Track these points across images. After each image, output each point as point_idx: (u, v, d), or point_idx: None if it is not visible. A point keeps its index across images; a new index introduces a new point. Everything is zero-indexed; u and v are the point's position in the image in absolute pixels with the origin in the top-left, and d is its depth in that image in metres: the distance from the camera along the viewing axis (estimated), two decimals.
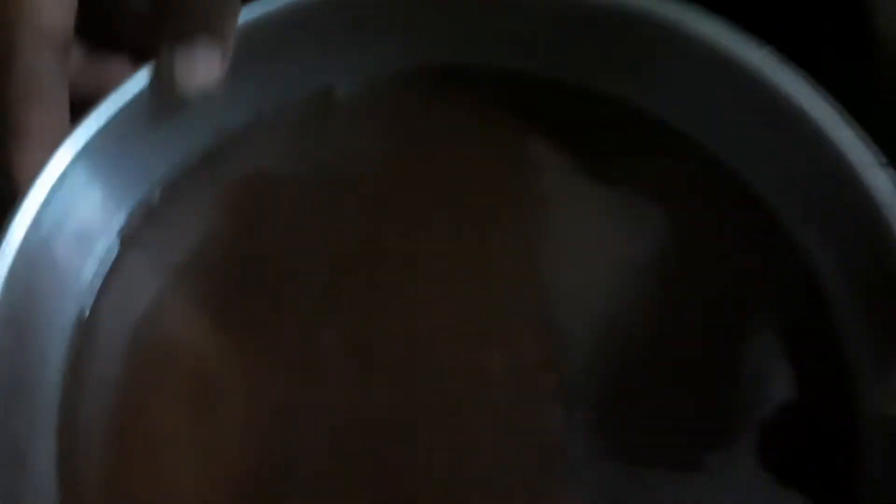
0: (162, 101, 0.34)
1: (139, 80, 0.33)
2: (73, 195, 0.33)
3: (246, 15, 0.34)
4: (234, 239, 0.36)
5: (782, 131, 0.34)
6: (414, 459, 0.33)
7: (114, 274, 0.35)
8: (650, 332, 0.34)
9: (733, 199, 0.35)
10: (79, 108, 0.33)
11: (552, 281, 0.35)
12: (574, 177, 0.36)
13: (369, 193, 0.36)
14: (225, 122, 0.36)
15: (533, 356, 0.33)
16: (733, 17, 0.34)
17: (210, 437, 0.33)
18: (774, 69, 0.33)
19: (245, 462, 0.33)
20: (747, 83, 0.34)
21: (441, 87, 0.37)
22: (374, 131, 0.37)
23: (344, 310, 0.34)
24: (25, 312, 0.32)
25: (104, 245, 0.35)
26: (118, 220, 0.35)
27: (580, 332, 0.34)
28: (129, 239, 0.35)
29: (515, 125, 0.36)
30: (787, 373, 0.33)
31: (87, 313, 0.35)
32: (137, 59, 0.34)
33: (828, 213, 0.33)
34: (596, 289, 0.34)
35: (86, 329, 0.34)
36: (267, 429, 0.33)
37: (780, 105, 0.33)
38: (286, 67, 0.36)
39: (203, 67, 0.33)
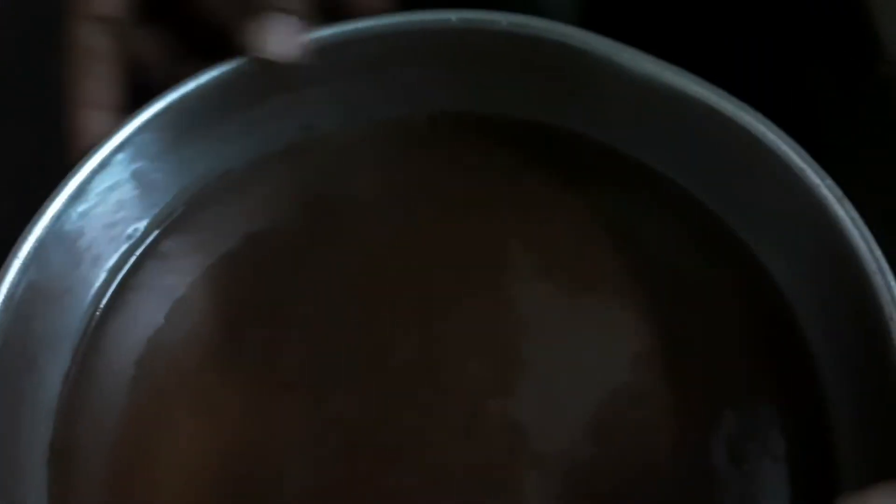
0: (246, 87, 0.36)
1: (188, 86, 0.35)
2: (111, 187, 0.35)
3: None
4: (249, 260, 0.37)
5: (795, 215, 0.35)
6: (397, 487, 0.34)
7: (128, 281, 0.37)
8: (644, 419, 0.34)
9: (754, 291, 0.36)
10: None
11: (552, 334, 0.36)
12: (580, 228, 0.37)
13: (382, 225, 0.38)
14: (247, 149, 0.38)
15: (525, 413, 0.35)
16: (732, 26, 0.34)
17: (204, 449, 0.34)
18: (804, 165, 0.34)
19: (236, 474, 0.34)
20: (774, 171, 0.34)
21: (472, 135, 0.38)
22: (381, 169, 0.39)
23: (348, 335, 0.36)
24: (43, 293, 0.34)
25: (124, 248, 0.37)
26: (143, 223, 0.37)
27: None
28: (148, 248, 0.37)
29: (523, 171, 0.38)
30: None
31: (98, 314, 0.36)
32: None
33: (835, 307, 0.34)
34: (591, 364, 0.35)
35: (96, 326, 0.36)
36: (260, 442, 0.34)
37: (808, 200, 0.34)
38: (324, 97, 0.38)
39: (285, 36, 0.35)
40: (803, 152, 0.34)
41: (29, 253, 0.33)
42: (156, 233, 0.37)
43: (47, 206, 0.34)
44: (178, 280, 0.37)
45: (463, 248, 0.37)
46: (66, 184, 0.34)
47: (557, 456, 0.34)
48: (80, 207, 0.34)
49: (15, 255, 0.33)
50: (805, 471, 0.34)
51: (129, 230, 0.37)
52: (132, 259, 0.37)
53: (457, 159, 0.39)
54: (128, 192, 0.36)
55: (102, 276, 0.36)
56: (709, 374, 0.35)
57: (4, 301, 0.33)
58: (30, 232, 0.33)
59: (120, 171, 0.35)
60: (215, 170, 0.38)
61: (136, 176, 0.36)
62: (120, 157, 0.35)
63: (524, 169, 0.38)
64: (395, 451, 0.34)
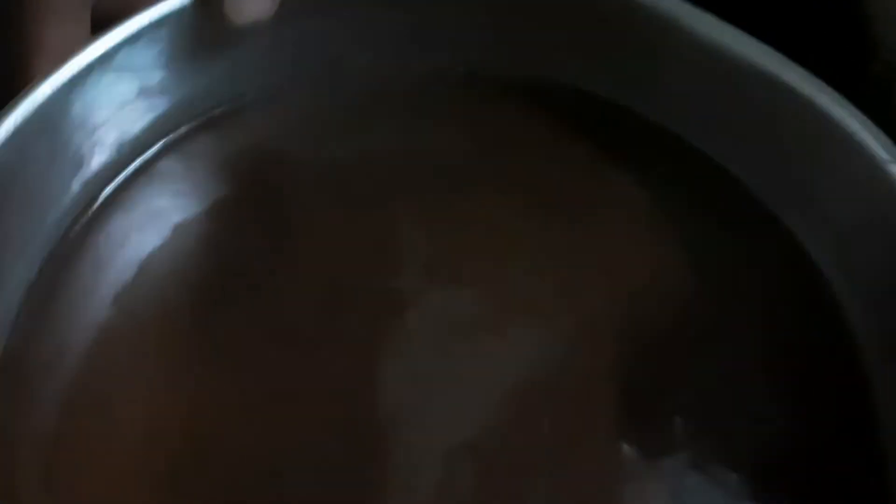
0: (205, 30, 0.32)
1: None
2: (97, 92, 0.31)
3: None
4: (254, 199, 0.34)
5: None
6: (383, 480, 0.30)
7: (116, 196, 0.33)
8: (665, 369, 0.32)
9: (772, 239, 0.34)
10: None
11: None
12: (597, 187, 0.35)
13: (375, 181, 0.34)
14: (239, 87, 0.35)
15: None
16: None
17: (168, 410, 0.31)
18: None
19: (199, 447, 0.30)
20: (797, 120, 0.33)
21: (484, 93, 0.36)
22: (391, 123, 0.36)
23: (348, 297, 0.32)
24: (17, 184, 0.30)
25: (116, 158, 0.33)
26: (141, 133, 0.34)
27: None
28: (143, 164, 0.34)
29: (531, 129, 0.35)
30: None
31: (78, 226, 0.33)
32: None
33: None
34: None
35: (72, 240, 0.32)
36: (234, 411, 0.31)
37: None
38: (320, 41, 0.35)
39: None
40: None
41: (10, 131, 0.29)
42: (154, 148, 0.34)
43: (41, 82, 0.30)
44: (173, 205, 0.33)
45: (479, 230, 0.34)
46: (64, 67, 0.30)
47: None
48: (80, 96, 0.31)
49: None
50: (857, 466, 0.31)
51: (125, 138, 0.33)
52: (124, 172, 0.33)
53: (487, 122, 0.35)
54: (131, 94, 0.32)
55: (87, 181, 0.32)
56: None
57: None
58: (15, 106, 0.29)
59: (127, 70, 0.32)
60: (228, 92, 0.34)
61: (144, 78, 0.32)
62: (125, 51, 0.31)
63: (561, 141, 0.35)
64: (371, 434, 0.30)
